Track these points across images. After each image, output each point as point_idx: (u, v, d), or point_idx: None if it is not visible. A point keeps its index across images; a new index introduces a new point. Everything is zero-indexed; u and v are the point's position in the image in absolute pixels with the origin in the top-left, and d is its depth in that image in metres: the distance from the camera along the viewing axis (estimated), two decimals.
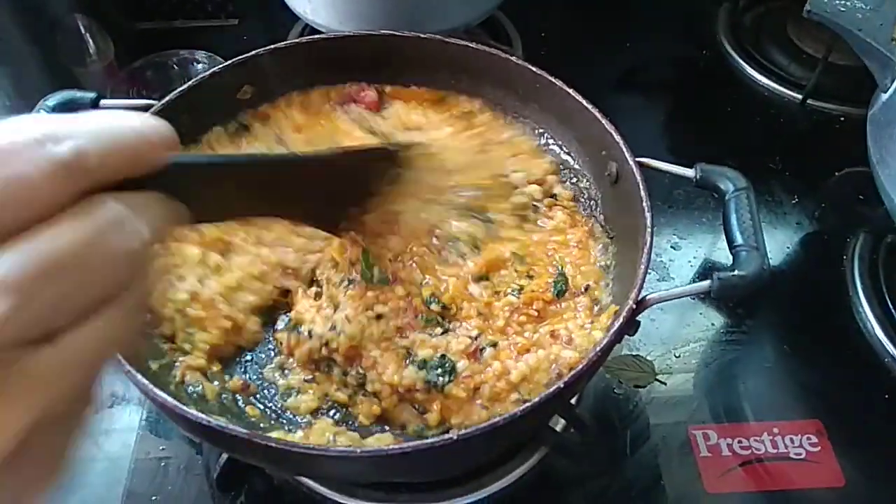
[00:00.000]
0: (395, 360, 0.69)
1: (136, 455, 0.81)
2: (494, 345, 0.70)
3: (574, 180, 0.86)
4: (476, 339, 0.70)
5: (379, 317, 0.71)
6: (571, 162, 0.87)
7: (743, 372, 0.89)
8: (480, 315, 0.72)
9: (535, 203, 0.82)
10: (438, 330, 0.71)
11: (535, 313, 0.73)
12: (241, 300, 0.73)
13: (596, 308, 0.74)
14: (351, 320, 0.70)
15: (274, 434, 0.65)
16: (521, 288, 0.74)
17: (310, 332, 0.71)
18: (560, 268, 0.77)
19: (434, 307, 0.72)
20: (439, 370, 0.68)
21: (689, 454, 0.82)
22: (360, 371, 0.70)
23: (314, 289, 0.75)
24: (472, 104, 0.91)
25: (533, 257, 0.78)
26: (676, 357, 0.90)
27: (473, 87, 0.91)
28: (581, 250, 0.80)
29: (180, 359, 0.70)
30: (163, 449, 0.81)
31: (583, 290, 0.75)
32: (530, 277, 0.76)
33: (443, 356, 0.69)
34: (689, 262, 0.99)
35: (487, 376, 0.68)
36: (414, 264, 0.74)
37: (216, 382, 0.70)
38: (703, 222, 1.03)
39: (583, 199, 0.84)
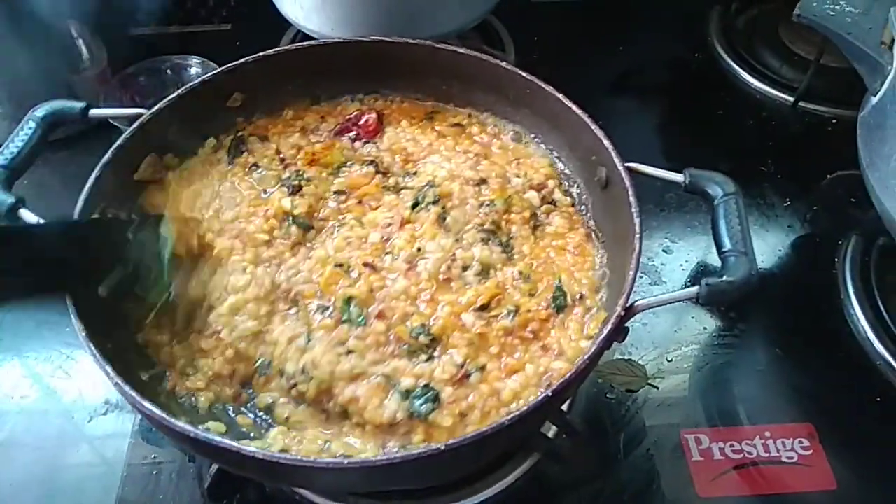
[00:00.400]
0: (377, 391, 0.67)
1: (128, 462, 0.81)
2: (482, 368, 0.69)
3: (566, 185, 0.86)
4: (463, 366, 0.68)
5: (350, 352, 0.69)
6: (562, 167, 0.87)
7: (735, 375, 0.90)
8: (471, 344, 0.70)
9: (535, 210, 0.82)
10: (423, 357, 0.69)
11: (531, 335, 0.71)
12: (241, 325, 0.72)
13: (587, 316, 0.73)
14: (319, 362, 0.68)
15: (273, 432, 0.66)
16: (517, 309, 0.72)
17: (281, 371, 0.70)
18: (558, 281, 0.76)
19: (422, 338, 0.70)
20: (422, 399, 0.66)
21: (681, 458, 0.82)
22: (339, 405, 0.68)
23: (294, 310, 0.73)
24: (463, 115, 0.91)
25: (537, 273, 0.76)
26: (669, 361, 0.90)
27: (464, 93, 0.91)
28: (577, 256, 0.79)
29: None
30: (155, 456, 0.82)
31: (577, 298, 0.75)
32: (531, 295, 0.74)
33: (426, 385, 0.67)
34: (682, 265, 0.99)
35: (475, 400, 0.67)
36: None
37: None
38: (695, 226, 1.03)
39: (576, 204, 0.84)
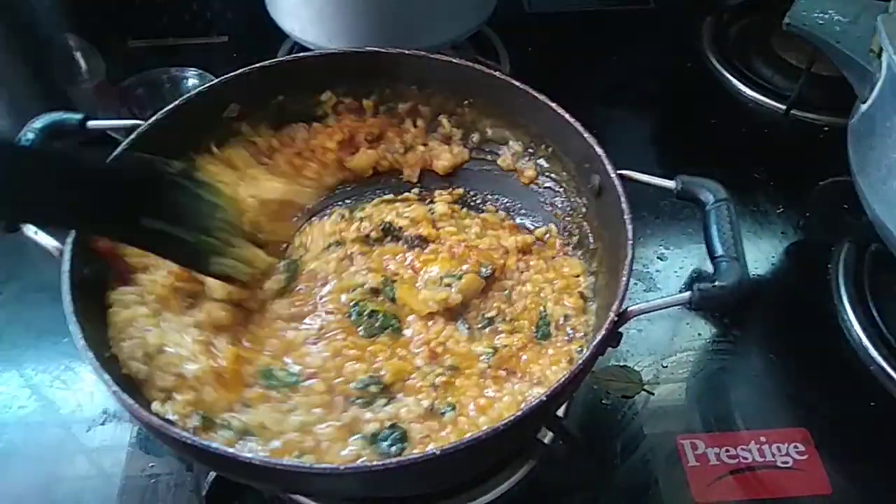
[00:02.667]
0: (338, 437, 0.65)
1: (126, 472, 0.81)
2: (454, 406, 0.67)
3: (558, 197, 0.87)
4: (431, 408, 0.67)
5: (293, 411, 0.67)
6: (555, 176, 0.88)
7: (730, 381, 0.90)
8: (436, 387, 0.68)
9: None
10: (382, 401, 0.67)
11: (503, 373, 0.70)
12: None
13: (568, 338, 0.74)
14: (266, 426, 0.65)
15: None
16: (496, 350, 0.72)
17: (228, 424, 0.66)
18: (543, 308, 0.76)
19: (372, 388, 0.68)
20: (389, 440, 0.65)
21: (677, 463, 0.82)
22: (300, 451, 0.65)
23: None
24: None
25: (524, 311, 0.77)
26: (664, 367, 0.90)
27: (459, 102, 0.92)
28: (567, 279, 0.80)
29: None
30: (153, 466, 0.82)
31: (561, 320, 0.75)
32: (514, 332, 0.74)
33: (393, 425, 0.66)
34: (676, 272, 1.00)
35: (451, 432, 0.65)
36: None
37: None
38: (689, 233, 1.04)
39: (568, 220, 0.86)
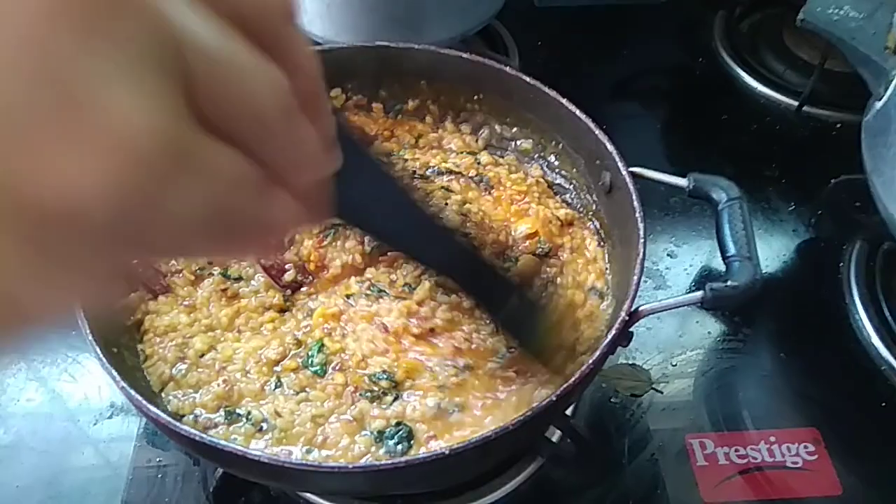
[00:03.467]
0: (346, 431, 0.65)
1: (133, 465, 0.82)
2: (461, 408, 0.66)
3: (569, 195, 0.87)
4: (438, 407, 0.65)
5: (307, 400, 0.67)
6: (565, 173, 0.87)
7: (740, 380, 0.89)
8: (444, 388, 0.67)
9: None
10: (389, 398, 0.66)
11: (513, 374, 0.68)
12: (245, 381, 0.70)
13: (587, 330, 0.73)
14: (280, 413, 0.66)
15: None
16: (510, 350, 0.70)
17: (248, 415, 0.66)
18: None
19: (383, 382, 0.67)
20: (396, 439, 0.64)
21: (685, 463, 0.82)
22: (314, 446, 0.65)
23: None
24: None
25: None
26: (673, 366, 0.90)
27: (468, 98, 0.91)
28: (588, 265, 0.80)
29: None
30: (160, 459, 0.82)
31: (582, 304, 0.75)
32: None
33: (399, 423, 0.65)
34: (686, 270, 0.99)
35: (457, 433, 0.64)
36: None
37: None
38: (699, 230, 1.03)
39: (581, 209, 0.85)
